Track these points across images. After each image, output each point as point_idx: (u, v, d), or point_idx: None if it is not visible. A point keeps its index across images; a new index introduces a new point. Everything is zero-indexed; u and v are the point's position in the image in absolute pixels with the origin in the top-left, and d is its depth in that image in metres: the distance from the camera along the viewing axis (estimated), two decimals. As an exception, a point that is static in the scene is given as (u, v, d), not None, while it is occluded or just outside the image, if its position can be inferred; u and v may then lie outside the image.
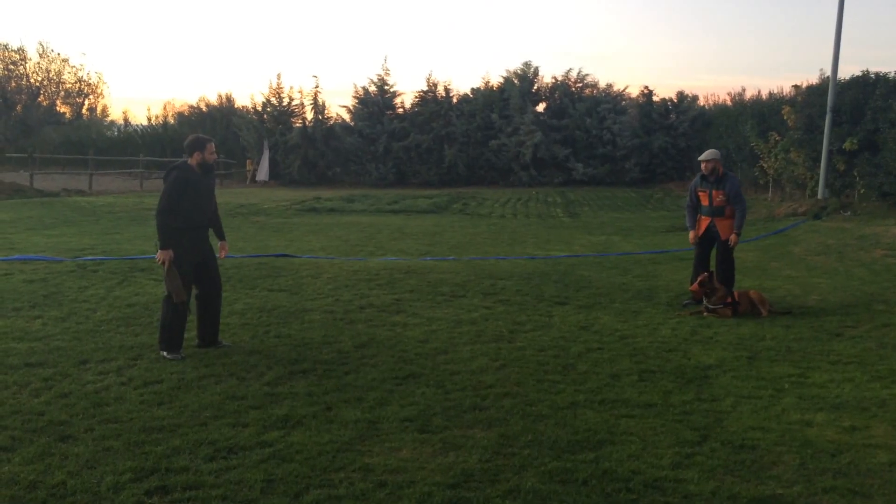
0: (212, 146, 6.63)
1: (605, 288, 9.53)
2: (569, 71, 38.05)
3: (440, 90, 37.94)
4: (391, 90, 38.31)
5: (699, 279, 8.19)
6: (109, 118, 44.54)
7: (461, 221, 19.49)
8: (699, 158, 8.88)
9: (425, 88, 37.90)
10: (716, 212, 8.66)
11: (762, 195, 23.24)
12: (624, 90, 38.10)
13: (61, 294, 8.52)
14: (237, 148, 40.63)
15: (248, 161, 39.43)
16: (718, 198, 8.61)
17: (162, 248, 6.18)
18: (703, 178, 8.73)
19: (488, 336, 7.03)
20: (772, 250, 13.24)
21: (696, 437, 4.54)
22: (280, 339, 6.79)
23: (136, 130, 49.39)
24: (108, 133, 46.81)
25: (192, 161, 6.50)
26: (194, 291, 6.45)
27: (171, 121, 50.39)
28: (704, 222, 8.74)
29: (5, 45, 25.10)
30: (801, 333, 7.17)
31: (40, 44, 25.48)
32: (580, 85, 37.81)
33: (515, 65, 53.23)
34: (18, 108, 24.78)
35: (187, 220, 6.30)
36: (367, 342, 6.74)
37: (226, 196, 26.62)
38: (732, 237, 8.60)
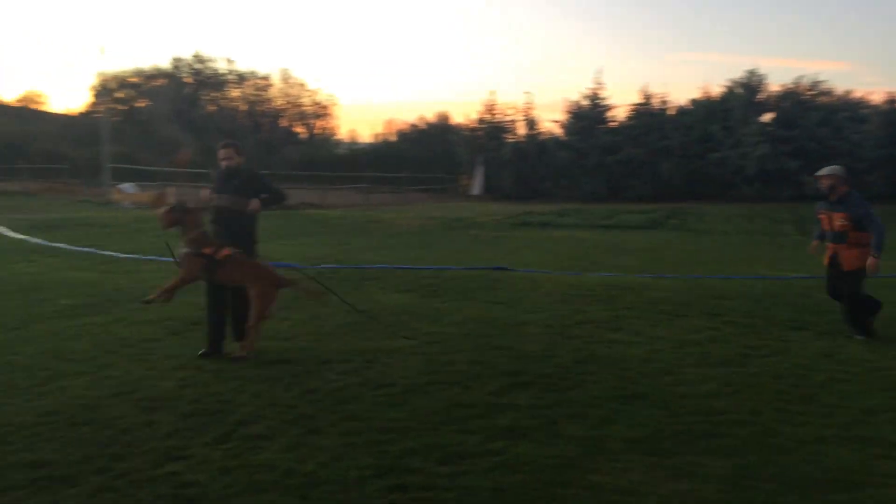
0: (222, 152, 6.76)
1: (848, 313, 8.71)
2: (800, 78, 35.46)
3: (655, 102, 36.91)
4: (604, 103, 37.88)
5: None
6: (339, 137, 48.10)
7: (679, 237, 18.78)
8: (816, 174, 7.87)
9: (640, 101, 37.05)
10: (836, 238, 7.57)
11: None
12: (865, 97, 34.77)
13: (303, 299, 9.28)
14: (452, 163, 42.14)
15: (462, 176, 40.77)
16: (838, 221, 7.53)
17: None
18: (825, 197, 7.71)
19: (716, 359, 6.70)
20: None
21: (969, 487, 4.02)
22: (500, 351, 6.92)
23: (362, 148, 53.00)
24: (338, 151, 50.65)
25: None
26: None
27: (393, 138, 53.43)
28: (829, 250, 7.69)
29: (254, 73, 27.95)
30: None
31: (283, 71, 28.10)
32: (813, 93, 35.02)
33: (737, 74, 50.29)
34: (264, 129, 27.51)
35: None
36: (586, 358, 6.68)
37: (441, 210, 27.70)
38: (870, 261, 7.31)
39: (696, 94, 37.52)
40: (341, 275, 11.28)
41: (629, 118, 37.24)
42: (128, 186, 30.81)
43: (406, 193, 36.94)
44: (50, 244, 14.35)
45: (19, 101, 67.05)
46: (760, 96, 35.46)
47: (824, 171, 7.72)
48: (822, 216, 7.77)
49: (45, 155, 43.03)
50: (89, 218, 20.61)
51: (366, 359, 6.51)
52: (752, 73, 35.49)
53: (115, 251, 13.47)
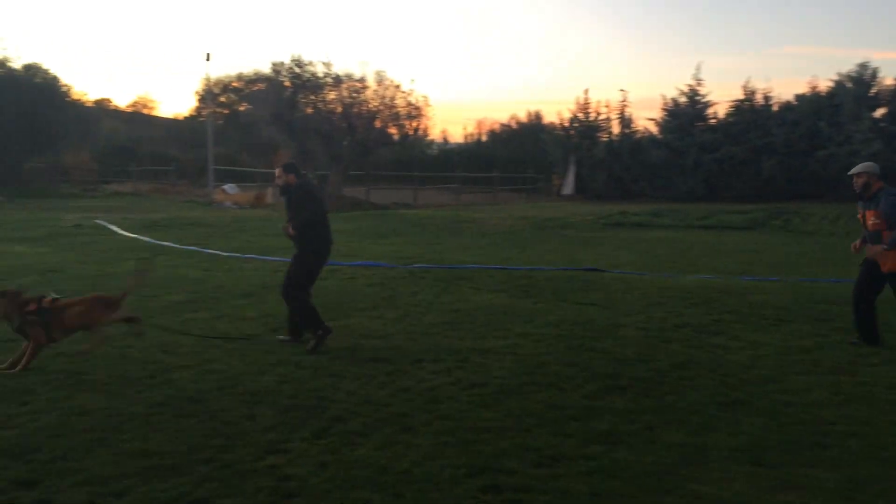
0: (276, 171, 7.34)
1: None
2: (918, 69, 33.30)
3: (758, 98, 35.52)
4: (703, 100, 36.72)
5: None
6: (431, 138, 48.52)
7: (782, 239, 18.04)
8: (849, 172, 7.39)
9: (741, 97, 35.72)
10: (872, 238, 7.13)
11: None
12: None
13: (397, 297, 9.42)
14: (544, 163, 41.80)
15: (554, 175, 40.39)
16: (871, 220, 7.11)
17: None
18: (860, 195, 7.21)
19: (825, 367, 6.39)
20: None
21: None
22: (595, 353, 6.81)
23: (453, 148, 53.31)
24: (429, 151, 51.09)
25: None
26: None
27: (484, 138, 53.50)
28: (868, 252, 7.19)
29: (350, 76, 28.48)
30: None
31: (378, 73, 28.48)
32: (933, 84, 32.87)
33: (847, 67, 47.77)
34: (359, 130, 28.00)
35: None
36: (684, 362, 6.50)
37: (533, 210, 27.52)
38: (876, 247, 7.00)
39: (802, 89, 35.97)
40: (433, 275, 11.36)
41: (729, 115, 35.95)
42: (230, 187, 32.03)
43: (497, 193, 36.88)
44: (158, 242, 15.06)
45: (131, 106, 70.89)
46: (872, 91, 33.59)
47: (857, 168, 7.36)
48: (860, 215, 7.39)
49: (154, 157, 45.26)
50: (194, 217, 21.54)
51: (458, 358, 6.53)
52: (863, 66, 33.63)
53: (218, 249, 14.02)
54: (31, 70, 34.16)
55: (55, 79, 35.00)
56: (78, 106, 38.61)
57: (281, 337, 7.14)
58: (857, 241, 7.52)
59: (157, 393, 5.44)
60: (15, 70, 33.56)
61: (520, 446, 4.53)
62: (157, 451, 4.37)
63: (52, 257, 12.66)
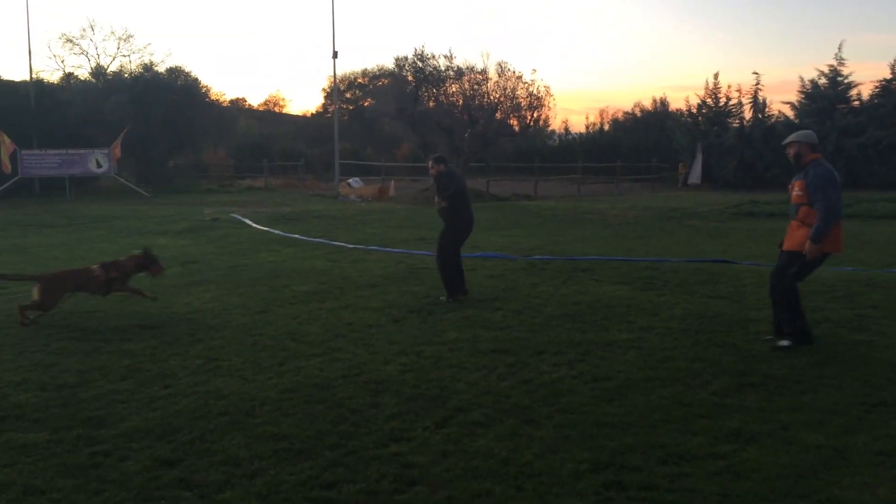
0: (429, 162, 9.08)
1: None
2: None
3: (908, 77, 32.91)
4: (845, 81, 34.40)
5: None
6: (551, 128, 48.00)
7: (935, 228, 16.64)
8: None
9: (888, 77, 33.21)
10: (792, 210, 6.64)
11: None
12: None
13: (517, 289, 9.39)
14: (670, 151, 40.49)
15: (680, 164, 39.04)
16: (796, 190, 6.59)
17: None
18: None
19: None
20: None
21: None
22: (724, 349, 6.53)
23: (574, 138, 52.52)
24: (550, 142, 50.57)
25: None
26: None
27: (607, 127, 52.38)
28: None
29: (472, 68, 28.61)
30: None
31: (499, 64, 28.47)
32: None
33: None
34: (480, 123, 28.10)
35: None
36: (824, 360, 6.12)
37: (657, 200, 26.72)
38: (807, 245, 6.35)
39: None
40: (553, 266, 11.24)
41: (874, 96, 33.53)
42: (354, 181, 32.95)
43: (619, 183, 36.06)
44: (288, 235, 15.71)
45: (263, 104, 74.32)
46: None
47: (789, 137, 6.73)
48: (790, 188, 6.78)
49: (284, 153, 47.23)
50: (320, 210, 22.30)
51: (580, 351, 6.44)
52: None
53: (343, 241, 14.46)
54: (175, 73, 36.43)
55: (196, 81, 37.16)
56: (216, 106, 40.92)
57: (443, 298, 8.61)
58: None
59: (287, 379, 5.67)
60: (160, 73, 35.90)
61: (645, 443, 4.41)
62: (287, 434, 4.56)
63: (193, 249, 13.46)
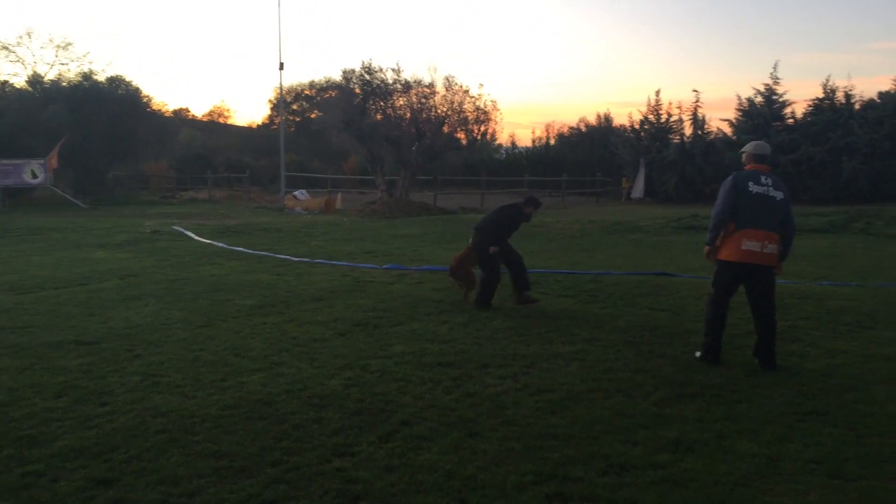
0: (534, 211, 9.57)
1: None
2: None
3: (839, 96, 34.22)
4: (780, 100, 35.61)
5: None
6: (498, 142, 48.48)
7: (864, 242, 17.30)
8: None
9: (821, 95, 34.49)
10: None
11: None
12: None
13: (463, 302, 9.42)
14: (613, 166, 41.25)
15: (623, 179, 39.80)
16: None
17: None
18: None
19: (909, 376, 6.09)
20: None
21: None
22: (664, 360, 6.67)
23: (521, 152, 53.08)
24: (497, 156, 51.02)
25: (527, 210, 9.46)
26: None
27: (553, 142, 53.11)
28: None
29: (419, 81, 28.69)
30: None
31: (446, 78, 28.60)
32: None
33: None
34: (427, 136, 28.16)
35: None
36: (759, 370, 6.30)
37: (602, 213, 27.16)
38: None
39: (887, 87, 34.45)
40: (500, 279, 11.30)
41: (808, 114, 34.76)
42: (300, 193, 32.67)
43: (565, 197, 36.56)
44: (231, 248, 15.48)
45: (207, 115, 73.17)
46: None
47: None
48: None
49: (229, 165, 46.56)
50: (266, 223, 22.05)
51: (525, 364, 6.49)
52: (953, 59, 32.15)
53: (289, 254, 14.31)
54: (115, 82, 35.55)
55: (137, 90, 36.34)
56: (158, 116, 40.01)
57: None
58: None
59: (229, 395, 5.58)
60: (100, 83, 35.01)
61: (587, 454, 4.47)
62: (228, 452, 4.48)
63: (132, 262, 13.15)
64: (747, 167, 6.67)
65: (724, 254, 6.49)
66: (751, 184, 6.40)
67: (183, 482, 4.07)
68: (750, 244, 6.35)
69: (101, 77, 35.56)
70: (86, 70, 35.76)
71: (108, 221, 22.03)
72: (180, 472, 4.18)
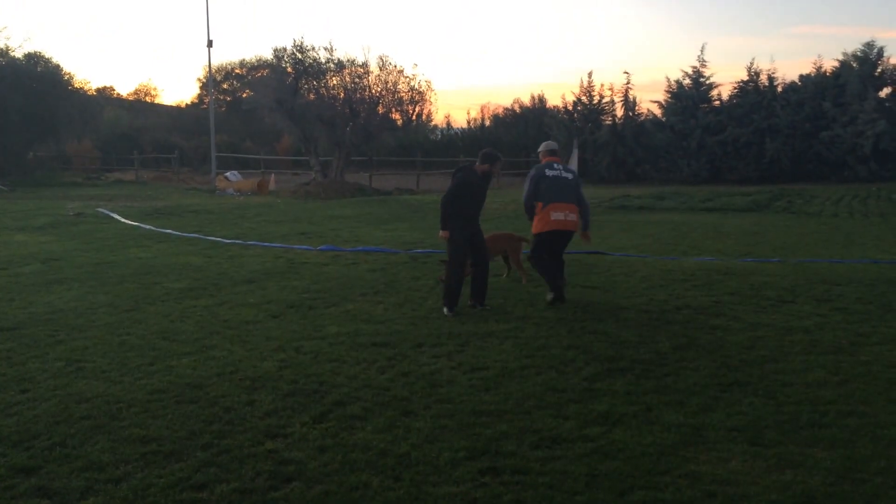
0: (500, 164, 8.30)
1: (974, 300, 8.12)
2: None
3: (763, 79, 35.33)
4: (707, 82, 36.54)
5: None
6: (433, 123, 48.37)
7: (786, 220, 17.96)
8: None
9: (745, 78, 35.54)
10: None
11: None
12: None
13: (398, 283, 9.42)
14: (548, 147, 41.63)
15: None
16: None
17: (442, 229, 7.84)
18: None
19: (825, 347, 6.37)
20: None
21: None
22: (596, 336, 6.80)
23: (456, 133, 53.08)
24: (432, 136, 50.92)
25: (479, 168, 8.01)
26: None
27: (488, 123, 53.25)
28: None
29: (352, 61, 28.38)
30: None
31: (380, 58, 28.35)
32: (938, 64, 32.64)
33: (853, 47, 47.15)
34: (361, 116, 27.91)
35: (461, 210, 7.82)
36: (685, 344, 6.49)
37: (537, 194, 27.45)
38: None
39: (808, 70, 35.71)
40: (435, 259, 11.33)
41: (733, 97, 35.80)
42: (232, 174, 32.01)
43: (500, 178, 36.76)
44: (160, 230, 15.08)
45: (133, 94, 70.77)
46: (878, 70, 33.38)
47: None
48: None
49: (157, 145, 45.23)
50: (196, 205, 21.53)
51: (459, 342, 6.54)
52: (869, 45, 33.42)
53: (220, 237, 14.03)
54: (34, 59, 34.00)
55: (57, 67, 34.78)
56: (80, 94, 38.40)
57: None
58: None
59: (157, 379, 5.46)
60: (17, 59, 33.45)
61: (519, 429, 4.54)
62: (156, 437, 4.39)
63: (54, 245, 12.69)
64: (543, 160, 8.42)
65: (538, 227, 8.18)
66: (547, 171, 8.22)
67: (109, 468, 3.97)
68: (557, 214, 8.06)
69: (18, 53, 33.99)
70: (2, 46, 34.11)
71: (28, 204, 21.17)
72: (106, 458, 4.08)
